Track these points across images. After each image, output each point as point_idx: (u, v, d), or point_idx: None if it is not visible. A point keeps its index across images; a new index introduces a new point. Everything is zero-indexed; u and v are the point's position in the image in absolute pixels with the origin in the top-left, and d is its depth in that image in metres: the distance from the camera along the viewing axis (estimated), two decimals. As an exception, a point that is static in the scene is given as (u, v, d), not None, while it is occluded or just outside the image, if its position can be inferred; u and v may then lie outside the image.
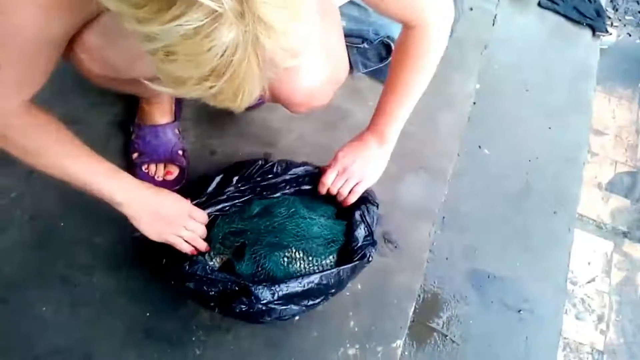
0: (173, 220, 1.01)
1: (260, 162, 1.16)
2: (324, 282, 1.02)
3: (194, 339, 1.11)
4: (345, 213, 1.16)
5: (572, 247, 1.48)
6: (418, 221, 1.31)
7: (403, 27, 1.02)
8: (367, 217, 1.12)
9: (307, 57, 0.95)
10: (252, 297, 0.96)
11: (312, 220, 1.11)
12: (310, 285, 1.01)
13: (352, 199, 1.14)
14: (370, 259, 1.09)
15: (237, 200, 1.12)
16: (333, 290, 1.04)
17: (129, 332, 1.10)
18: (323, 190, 1.14)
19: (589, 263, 1.60)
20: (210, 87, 0.58)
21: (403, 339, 1.17)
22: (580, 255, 1.60)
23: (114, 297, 1.13)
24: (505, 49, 1.76)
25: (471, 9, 1.70)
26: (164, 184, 1.23)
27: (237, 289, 0.98)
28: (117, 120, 1.34)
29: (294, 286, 0.99)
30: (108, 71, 0.93)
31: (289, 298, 1.00)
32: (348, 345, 1.14)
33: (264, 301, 0.97)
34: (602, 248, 1.63)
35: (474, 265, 1.39)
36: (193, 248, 1.03)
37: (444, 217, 1.42)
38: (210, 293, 0.99)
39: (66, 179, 0.93)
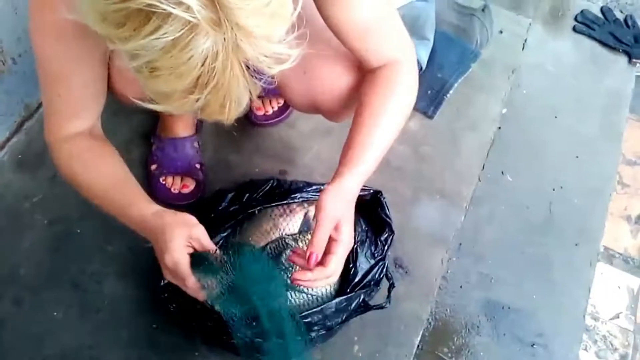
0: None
1: (272, 182, 1.16)
2: (306, 320, 1.00)
3: (197, 353, 1.12)
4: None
5: (593, 282, 1.42)
6: (431, 247, 1.29)
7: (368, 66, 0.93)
8: (372, 246, 1.10)
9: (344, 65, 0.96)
10: (231, 331, 0.95)
11: None
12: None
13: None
14: (365, 301, 1.06)
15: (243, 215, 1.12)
16: (319, 328, 1.02)
17: (133, 342, 1.12)
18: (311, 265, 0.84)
19: (612, 299, 1.54)
20: (197, 100, 0.59)
21: (408, 367, 1.16)
22: (604, 290, 1.54)
23: (122, 306, 1.15)
24: (536, 73, 1.71)
25: (501, 32, 1.67)
26: (180, 197, 1.25)
27: (218, 323, 0.97)
28: (138, 130, 1.37)
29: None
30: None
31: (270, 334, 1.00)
32: (351, 370, 1.13)
33: (242, 336, 0.97)
34: (628, 283, 1.57)
35: (489, 295, 1.36)
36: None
37: (460, 244, 1.39)
38: (193, 324, 1.03)
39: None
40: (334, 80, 0.98)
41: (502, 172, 1.53)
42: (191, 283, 0.84)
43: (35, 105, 1.37)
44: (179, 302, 1.05)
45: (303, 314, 1.00)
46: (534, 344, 1.31)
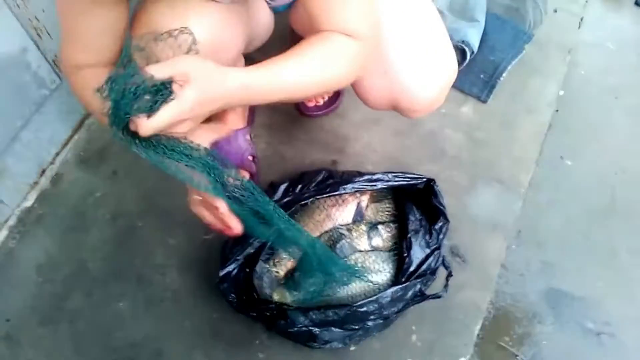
0: None
1: (323, 173, 1.17)
2: (362, 309, 1.01)
3: (257, 342, 1.14)
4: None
5: (662, 268, 1.37)
6: (489, 235, 1.26)
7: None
8: (427, 235, 1.09)
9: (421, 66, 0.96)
10: (288, 320, 1.00)
11: None
12: (347, 313, 1.01)
13: None
14: (421, 290, 1.07)
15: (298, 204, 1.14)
16: (375, 317, 1.03)
17: (196, 332, 1.14)
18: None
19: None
20: None
21: (468, 357, 1.14)
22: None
23: (184, 297, 1.18)
24: (594, 52, 1.65)
25: (555, 11, 1.61)
26: (236, 189, 1.27)
27: (275, 312, 1.03)
28: (194, 125, 1.40)
29: (330, 315, 1.01)
30: None
31: (327, 324, 1.01)
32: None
33: (300, 325, 1.00)
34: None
35: (551, 283, 1.32)
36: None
37: (519, 231, 1.36)
38: (253, 314, 1.05)
39: None
40: (417, 82, 0.98)
41: (561, 157, 1.49)
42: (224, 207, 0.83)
43: (95, 104, 1.42)
44: (238, 292, 1.07)
45: (359, 303, 1.01)
46: (600, 334, 1.27)
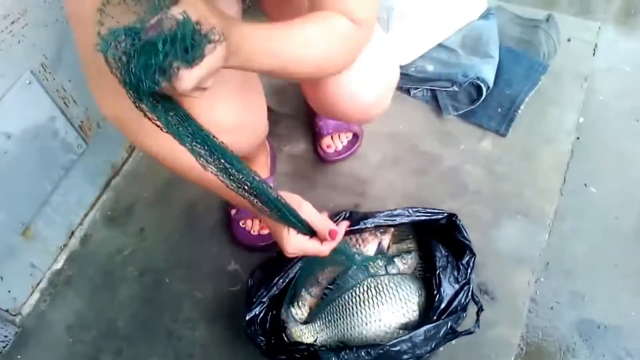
0: None
1: (344, 213, 1.17)
2: (395, 349, 0.99)
3: (288, 393, 1.13)
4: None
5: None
6: (516, 269, 1.25)
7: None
8: (454, 271, 1.08)
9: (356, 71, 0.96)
10: None
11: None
12: (379, 352, 0.99)
13: None
14: (453, 327, 1.05)
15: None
16: (408, 357, 1.01)
17: (227, 386, 1.15)
18: None
19: None
20: None
21: (503, 397, 1.12)
22: None
23: (213, 350, 1.19)
24: (611, 77, 1.64)
25: (569, 40, 1.62)
26: (260, 238, 1.28)
27: (306, 354, 1.01)
28: (216, 177, 1.42)
29: (362, 355, 0.99)
30: None
31: None
32: (442, 403, 1.11)
33: None
34: None
35: (582, 314, 1.29)
36: None
37: (547, 263, 1.34)
38: (282, 357, 1.03)
39: None
40: (357, 84, 0.99)
41: (585, 184, 1.47)
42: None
43: (120, 163, 1.46)
44: (266, 336, 1.07)
45: (392, 342, 1.00)
46: (638, 364, 1.23)
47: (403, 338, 1.00)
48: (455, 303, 1.07)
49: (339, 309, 1.10)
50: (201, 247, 1.32)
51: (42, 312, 1.27)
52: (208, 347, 1.19)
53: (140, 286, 1.28)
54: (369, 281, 1.11)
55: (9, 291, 1.22)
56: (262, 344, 1.06)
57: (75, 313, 1.26)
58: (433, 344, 1.03)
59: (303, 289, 1.14)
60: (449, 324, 1.04)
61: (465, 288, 1.09)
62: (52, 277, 1.31)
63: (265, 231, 1.29)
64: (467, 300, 1.09)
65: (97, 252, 1.35)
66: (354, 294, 1.10)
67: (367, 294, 1.10)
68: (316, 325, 1.11)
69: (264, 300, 1.08)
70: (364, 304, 1.09)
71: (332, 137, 1.41)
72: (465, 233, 1.13)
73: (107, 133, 1.37)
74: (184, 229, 1.36)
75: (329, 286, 1.14)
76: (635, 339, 1.25)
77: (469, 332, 1.06)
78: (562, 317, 1.28)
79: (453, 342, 1.12)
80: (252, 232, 1.30)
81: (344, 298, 1.11)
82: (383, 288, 1.11)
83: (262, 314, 1.08)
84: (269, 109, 1.04)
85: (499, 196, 1.35)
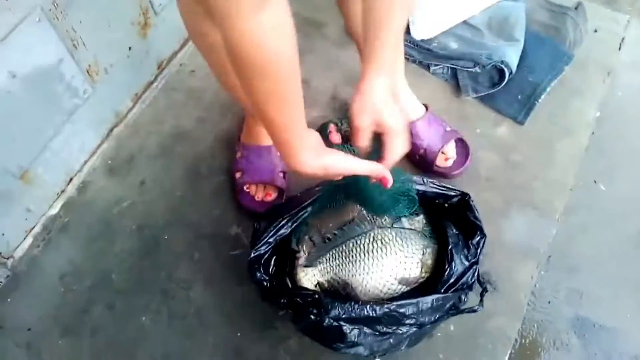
0: None
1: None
2: (401, 310, 0.98)
3: (281, 362, 1.12)
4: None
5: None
6: (521, 262, 1.23)
7: None
8: (464, 249, 1.06)
9: None
10: (322, 309, 0.95)
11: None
12: (385, 311, 0.97)
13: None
14: (464, 300, 1.04)
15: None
16: (411, 322, 1.00)
17: (219, 350, 1.13)
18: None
19: None
20: None
21: (495, 387, 1.12)
22: None
23: (208, 313, 1.17)
24: (632, 73, 1.61)
25: (595, 31, 1.57)
26: (262, 205, 1.25)
27: (309, 299, 0.98)
28: (223, 136, 1.38)
29: (366, 310, 0.97)
30: None
31: (360, 321, 0.97)
32: (436, 388, 1.10)
33: (332, 316, 0.95)
34: None
35: (579, 311, 1.29)
36: None
37: (549, 257, 1.33)
38: (282, 301, 1.02)
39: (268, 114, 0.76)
40: None
41: (595, 181, 1.45)
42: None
43: (124, 111, 1.41)
44: (269, 277, 1.06)
45: (400, 302, 0.98)
46: (629, 367, 1.24)
47: (411, 301, 0.99)
48: (463, 280, 1.06)
49: (343, 254, 1.08)
50: (203, 208, 1.29)
51: (34, 258, 1.24)
52: (203, 310, 1.17)
53: (137, 240, 1.25)
54: (376, 232, 1.09)
55: (3, 234, 1.18)
56: (264, 283, 1.03)
57: (69, 261, 1.23)
58: (437, 316, 1.02)
59: (309, 233, 1.11)
60: (458, 297, 1.03)
61: (474, 267, 1.07)
62: (46, 223, 1.27)
63: (270, 198, 1.26)
64: (473, 280, 1.08)
65: (95, 201, 1.31)
66: (359, 242, 1.08)
67: (373, 245, 1.08)
68: (319, 267, 1.09)
69: (270, 240, 1.05)
70: (368, 254, 1.07)
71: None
72: (477, 213, 1.11)
73: (114, 79, 1.31)
74: (185, 186, 1.32)
75: (334, 232, 1.12)
76: (629, 340, 1.26)
77: (472, 310, 1.05)
78: (559, 312, 1.29)
79: (452, 328, 1.12)
80: (256, 197, 1.26)
81: (349, 245, 1.08)
82: (390, 240, 1.09)
83: (267, 255, 1.05)
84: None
85: (511, 186, 1.33)
